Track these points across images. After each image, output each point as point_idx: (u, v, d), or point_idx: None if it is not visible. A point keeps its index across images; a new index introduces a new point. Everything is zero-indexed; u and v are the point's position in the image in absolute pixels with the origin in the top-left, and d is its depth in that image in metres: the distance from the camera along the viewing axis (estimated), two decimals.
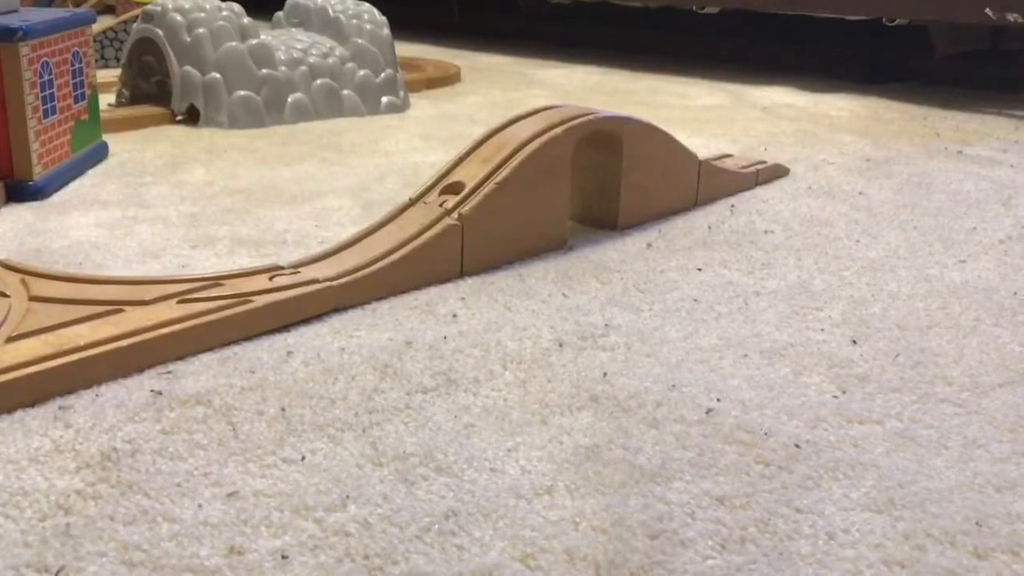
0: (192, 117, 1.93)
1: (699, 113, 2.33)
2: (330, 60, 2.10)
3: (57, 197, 1.41)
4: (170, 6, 1.97)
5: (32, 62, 1.37)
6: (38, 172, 1.39)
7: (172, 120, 1.94)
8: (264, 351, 0.92)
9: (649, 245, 1.30)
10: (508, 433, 0.79)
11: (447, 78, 2.62)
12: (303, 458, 0.74)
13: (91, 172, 1.56)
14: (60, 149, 1.47)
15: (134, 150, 1.70)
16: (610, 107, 2.36)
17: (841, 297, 1.13)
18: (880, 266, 1.24)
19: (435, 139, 1.90)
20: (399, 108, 2.19)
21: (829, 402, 0.87)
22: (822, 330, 1.03)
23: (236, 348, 0.92)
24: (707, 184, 1.51)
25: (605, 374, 0.90)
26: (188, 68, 1.93)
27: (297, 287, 1.02)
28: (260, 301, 0.98)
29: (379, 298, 1.07)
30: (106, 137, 1.75)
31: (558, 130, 1.25)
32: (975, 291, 1.16)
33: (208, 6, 1.99)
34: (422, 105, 2.28)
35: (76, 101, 1.54)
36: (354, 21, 2.18)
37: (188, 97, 1.93)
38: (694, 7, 2.92)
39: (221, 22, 1.96)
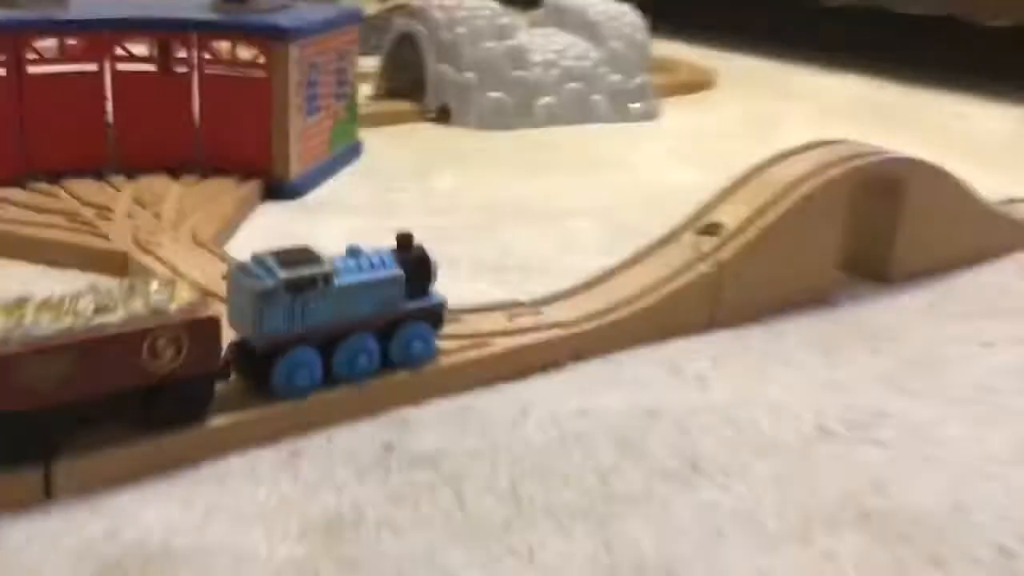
0: (443, 115, 1.92)
1: (981, 140, 2.10)
2: (585, 63, 2.04)
3: (311, 197, 1.42)
4: (434, 2, 1.96)
5: (300, 62, 1.37)
6: (296, 171, 1.41)
7: (424, 118, 1.93)
8: (499, 405, 0.86)
9: (929, 308, 1.15)
10: (763, 548, 0.69)
11: (701, 83, 2.50)
12: (531, 552, 0.67)
13: (345, 172, 1.57)
14: (318, 148, 1.48)
15: (386, 149, 1.70)
16: (879, 127, 2.17)
17: None
18: None
19: (687, 156, 1.80)
20: (649, 116, 2.10)
21: None
22: None
23: (470, 398, 0.87)
24: (997, 235, 1.34)
25: (878, 481, 0.79)
26: (444, 66, 1.91)
27: (538, 331, 0.96)
28: (500, 345, 0.93)
29: (622, 347, 0.99)
30: (359, 132, 1.76)
31: (835, 172, 1.13)
32: None
33: (470, 4, 1.97)
34: (673, 114, 2.17)
35: (337, 100, 1.55)
36: (612, 23, 2.10)
37: (441, 95, 1.92)
38: (981, 19, 2.65)
39: (481, 21, 1.93)
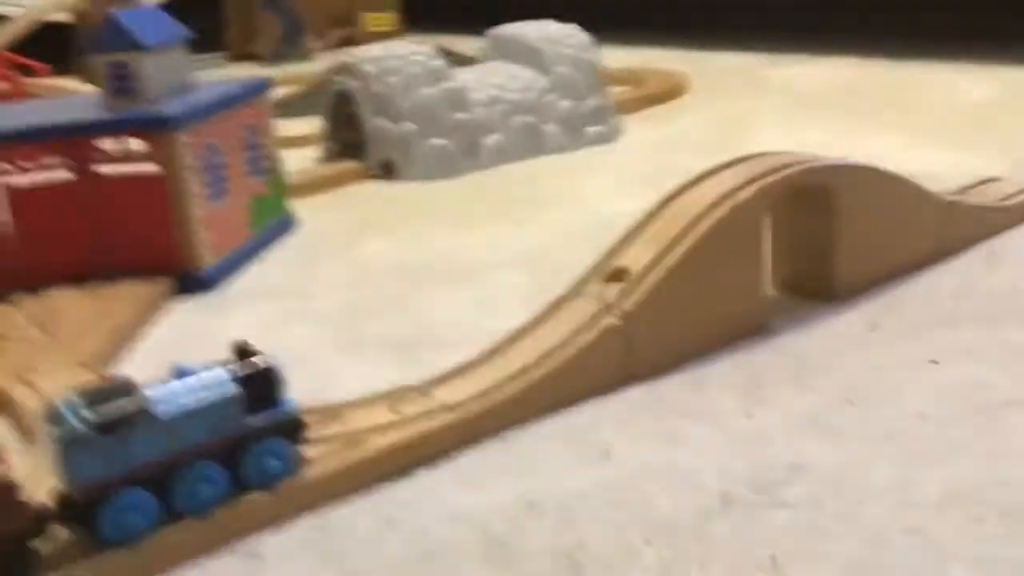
0: (387, 171, 1.85)
1: (962, 113, 1.97)
2: (531, 94, 1.96)
3: (227, 288, 1.36)
4: (364, 56, 1.90)
5: (194, 148, 1.32)
6: (209, 260, 1.34)
7: (368, 176, 1.87)
8: (364, 519, 0.78)
9: (872, 326, 1.05)
10: None
11: (671, 92, 2.40)
12: None
13: (273, 252, 1.50)
14: (235, 232, 1.42)
15: (320, 217, 1.63)
16: (860, 112, 2.06)
17: None
18: None
19: (641, 177, 1.69)
20: (609, 137, 2.01)
21: None
22: None
23: (335, 512, 0.79)
24: (955, 228, 1.23)
25: (774, 557, 0.69)
26: (381, 120, 1.84)
27: (421, 421, 0.88)
28: (373, 445, 0.85)
29: (522, 422, 0.91)
30: (301, 203, 1.70)
31: (743, 194, 1.03)
32: None
33: (401, 52, 1.90)
34: (637, 130, 2.08)
35: (253, 176, 1.49)
36: (555, 48, 2.01)
37: (382, 150, 1.85)
38: None
39: (414, 68, 1.86)
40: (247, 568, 0.74)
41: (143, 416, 0.72)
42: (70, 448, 0.70)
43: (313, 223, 1.61)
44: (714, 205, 1.03)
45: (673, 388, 0.95)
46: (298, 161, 1.95)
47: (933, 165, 1.59)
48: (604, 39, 2.17)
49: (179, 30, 1.42)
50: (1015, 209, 1.30)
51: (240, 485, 0.78)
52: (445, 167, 1.83)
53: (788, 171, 1.07)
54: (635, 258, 1.02)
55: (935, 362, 0.96)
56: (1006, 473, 0.76)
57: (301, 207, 1.65)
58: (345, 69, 1.93)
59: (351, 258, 1.43)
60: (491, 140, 1.89)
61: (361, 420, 0.89)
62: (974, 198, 1.30)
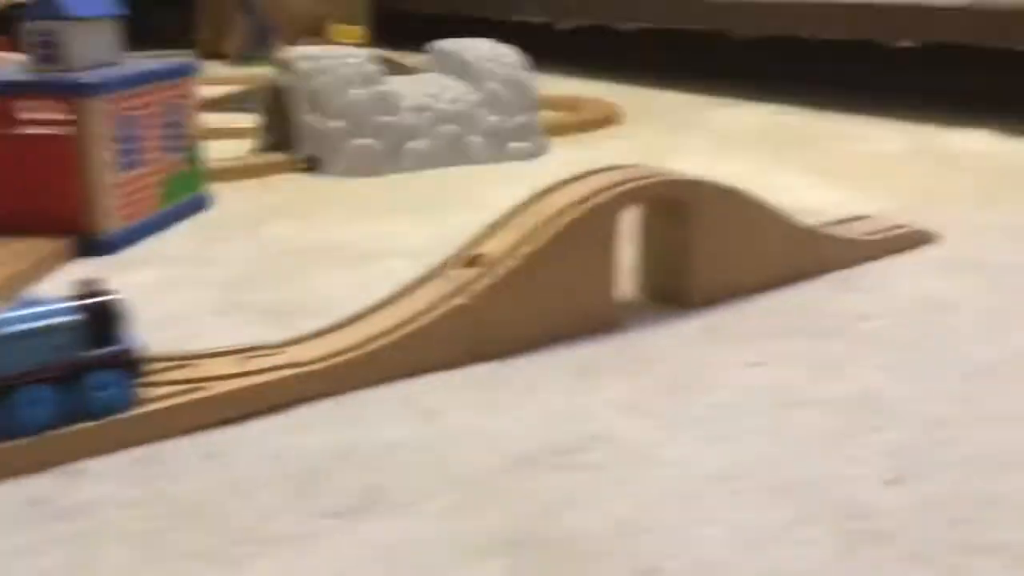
0: (313, 165, 1.92)
1: (868, 162, 2.07)
2: (460, 105, 2.04)
3: (129, 252, 1.42)
4: (301, 53, 1.97)
5: (109, 116, 1.38)
6: (113, 225, 1.40)
7: (294, 168, 1.94)
8: (189, 451, 0.84)
9: (711, 330, 1.13)
10: None
11: (603, 120, 2.49)
12: None
13: (183, 226, 1.56)
14: (143, 203, 1.48)
15: (237, 200, 1.70)
16: (774, 153, 2.16)
17: (912, 415, 0.91)
18: (989, 374, 1.01)
19: None
20: (533, 154, 2.09)
21: (817, 568, 0.68)
22: (858, 462, 0.83)
23: (163, 446, 0.85)
24: (815, 255, 1.31)
25: (550, 509, 0.76)
26: (311, 116, 1.92)
27: (264, 373, 0.94)
28: (212, 391, 0.91)
29: (364, 386, 0.97)
30: (225, 187, 1.76)
31: (602, 197, 1.11)
32: None
33: (337, 53, 1.98)
34: (562, 151, 2.17)
35: (170, 153, 1.55)
36: (489, 65, 2.10)
37: (309, 145, 1.92)
38: (889, 40, 2.64)
39: (347, 69, 1.94)
40: (59, 484, 0.79)
41: None
42: None
43: (229, 204, 1.67)
44: (574, 204, 1.10)
45: (514, 368, 1.02)
46: (234, 150, 2.02)
47: (825, 202, 1.69)
48: (553, 69, 2.26)
49: (110, 6, 1.49)
50: (872, 244, 1.39)
51: (74, 412, 0.83)
52: (368, 166, 1.91)
53: (648, 181, 1.15)
54: (494, 246, 1.09)
55: (756, 365, 1.03)
56: (777, 456, 0.84)
57: (223, 190, 1.71)
58: (283, 65, 2.00)
59: (254, 237, 1.50)
60: (416, 145, 1.96)
61: (209, 369, 0.95)
62: (839, 230, 1.39)
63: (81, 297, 0.84)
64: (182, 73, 1.58)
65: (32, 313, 0.81)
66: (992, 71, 2.71)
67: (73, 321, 0.82)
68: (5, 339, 0.79)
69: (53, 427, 0.82)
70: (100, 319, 0.83)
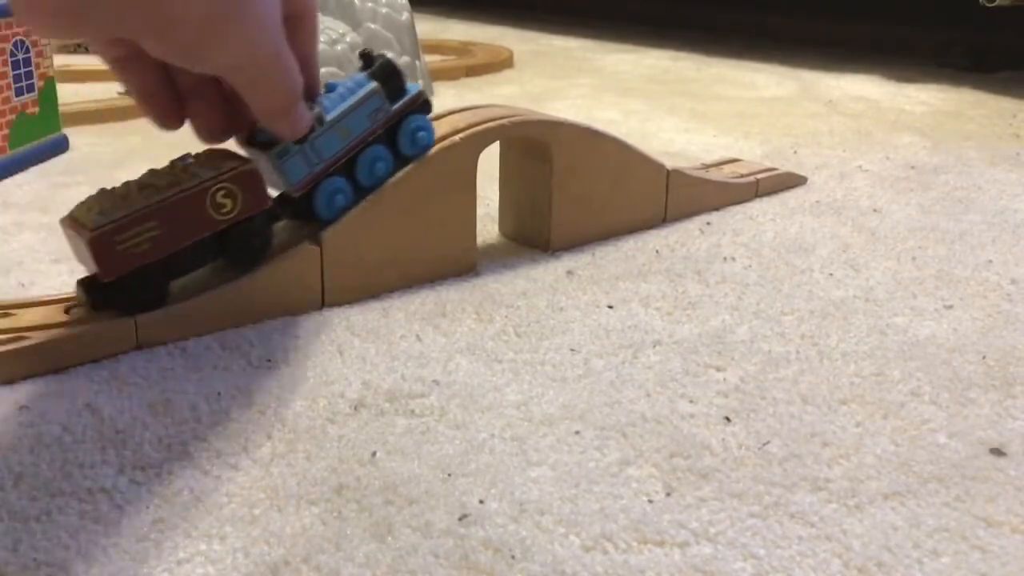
0: None
1: (752, 107, 2.08)
2: (338, 47, 1.97)
3: None
4: None
5: None
6: None
7: None
8: (4, 400, 0.80)
9: (570, 273, 1.11)
10: (197, 536, 0.64)
11: (494, 64, 2.46)
12: None
13: (34, 169, 1.49)
14: None
15: (94, 143, 1.62)
16: (660, 98, 2.15)
17: (757, 353, 0.91)
18: (835, 311, 1.01)
19: None
20: None
21: (638, 508, 0.67)
22: (694, 401, 0.82)
23: None
24: (681, 197, 1.30)
25: (375, 453, 0.74)
26: None
27: (88, 323, 0.89)
28: (30, 340, 0.86)
29: (205, 332, 0.93)
30: (80, 129, 1.69)
31: (456, 137, 1.08)
32: (935, 351, 0.92)
33: None
34: (446, 95, 2.13)
35: (19, 94, 1.47)
36: (368, 4, 2.04)
37: None
38: None
39: None
40: None
41: (320, 120, 0.95)
42: (278, 160, 0.93)
43: (84, 148, 1.60)
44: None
45: (363, 313, 0.99)
46: (99, 93, 1.93)
47: (708, 146, 1.68)
48: (453, 14, 2.21)
49: None
50: (743, 186, 1.39)
51: (402, 156, 1.03)
52: None
53: (507, 121, 1.12)
54: None
55: (610, 307, 1.02)
56: (616, 397, 0.83)
57: (81, 133, 1.64)
58: None
59: (106, 181, 1.42)
60: None
61: (32, 318, 0.90)
62: (708, 173, 1.38)
63: (365, 67, 1.00)
64: None
65: (344, 91, 0.97)
66: (886, 20, 2.74)
67: (375, 86, 0.99)
68: (337, 118, 0.96)
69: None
70: (387, 78, 1.00)
